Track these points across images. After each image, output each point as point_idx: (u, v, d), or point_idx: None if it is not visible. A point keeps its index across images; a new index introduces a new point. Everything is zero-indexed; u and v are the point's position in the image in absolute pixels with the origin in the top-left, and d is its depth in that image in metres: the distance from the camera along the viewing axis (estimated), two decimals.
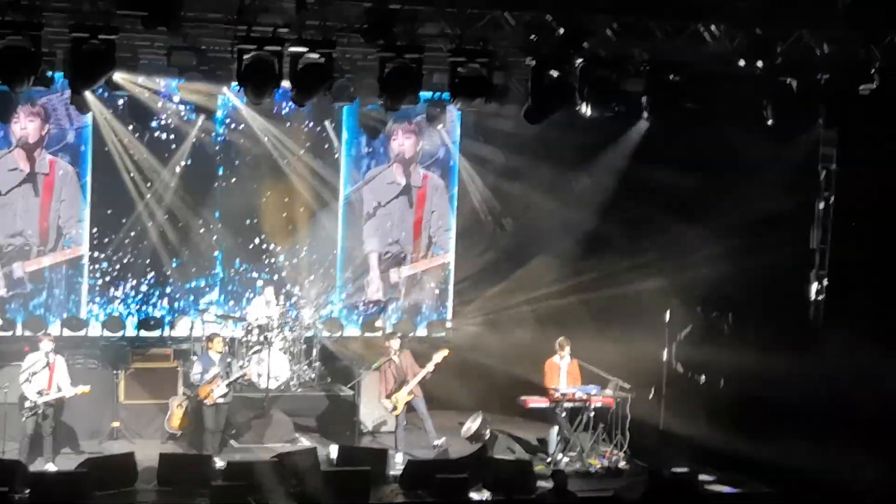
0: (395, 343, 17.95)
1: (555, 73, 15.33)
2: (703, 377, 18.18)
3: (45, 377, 16.49)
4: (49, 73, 15.97)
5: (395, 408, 17.59)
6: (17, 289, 20.06)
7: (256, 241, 21.16)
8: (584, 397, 17.53)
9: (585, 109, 15.67)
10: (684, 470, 16.87)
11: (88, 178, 20.22)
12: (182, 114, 20.16)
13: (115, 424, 18.15)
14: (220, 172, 20.94)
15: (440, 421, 18.29)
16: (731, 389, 18.02)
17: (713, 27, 15.82)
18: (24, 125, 19.69)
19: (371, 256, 21.80)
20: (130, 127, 19.93)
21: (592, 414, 17.64)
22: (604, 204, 19.86)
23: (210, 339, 17.87)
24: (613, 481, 17.10)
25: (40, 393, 16.39)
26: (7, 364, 17.71)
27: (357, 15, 14.85)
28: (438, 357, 17.72)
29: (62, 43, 14.81)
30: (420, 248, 22.01)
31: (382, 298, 21.90)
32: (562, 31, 15.05)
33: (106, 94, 18.82)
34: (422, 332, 21.73)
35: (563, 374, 17.63)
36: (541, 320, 19.72)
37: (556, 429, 17.63)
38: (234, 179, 20.97)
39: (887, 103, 15.66)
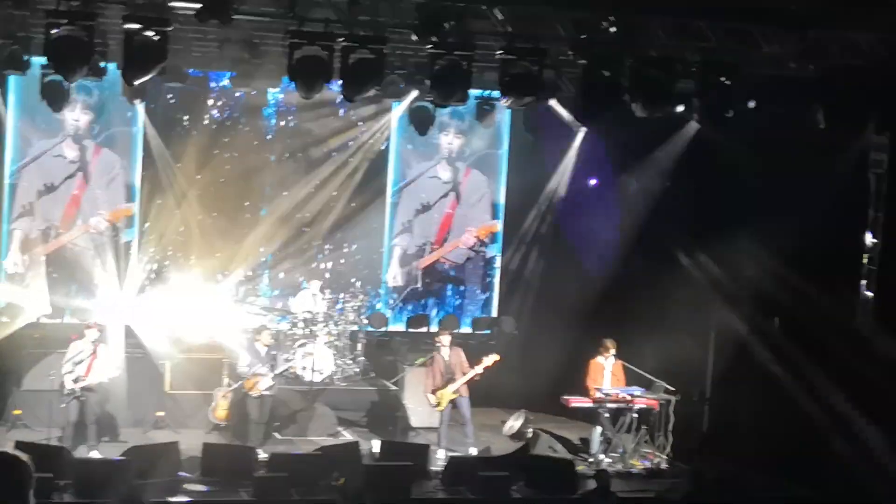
0: (445, 339, 17.98)
1: (605, 73, 15.23)
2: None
3: (86, 365, 16.64)
4: (102, 64, 16.14)
5: (438, 403, 17.62)
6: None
7: (304, 235, 21.23)
8: (628, 398, 17.51)
9: (636, 109, 15.60)
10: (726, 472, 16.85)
11: (138, 170, 20.33)
12: (233, 107, 20.25)
13: (160, 414, 18.29)
14: (269, 166, 21.01)
15: (482, 419, 18.33)
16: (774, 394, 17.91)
17: (766, 29, 15.71)
18: (78, 116, 19.86)
19: (395, 249, 21.84)
20: (185, 118, 20.01)
21: (636, 415, 17.61)
22: (652, 204, 19.78)
23: (258, 331, 17.98)
24: (655, 483, 17.07)
25: (76, 380, 16.54)
26: (54, 351, 17.87)
27: (408, 11, 14.86)
28: (489, 360, 17.72)
29: (115, 34, 14.90)
30: (443, 240, 22.01)
31: (401, 284, 21.90)
32: (613, 30, 14.99)
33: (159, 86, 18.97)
34: (466, 329, 21.72)
35: (607, 374, 17.62)
36: (586, 319, 19.65)
37: (598, 429, 17.60)
38: (282, 173, 21.05)
39: None
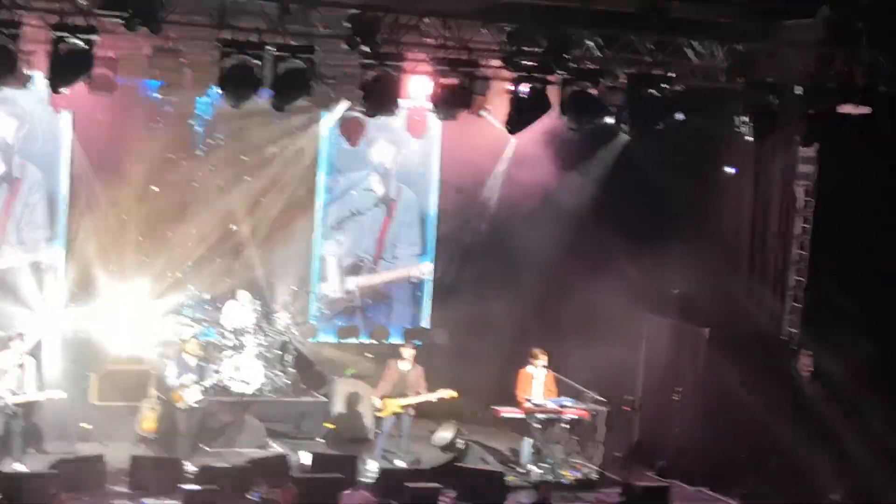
0: (408, 353, 17.92)
1: (536, 85, 15.28)
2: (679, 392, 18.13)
3: (17, 377, 16.42)
4: (26, 72, 15.93)
5: (381, 410, 17.58)
6: None
7: (232, 246, 21.09)
8: (558, 409, 17.53)
9: (566, 122, 15.68)
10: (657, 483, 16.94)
11: (65, 182, 20.08)
12: (162, 115, 20.09)
13: (86, 426, 18.05)
14: (198, 175, 20.85)
15: (413, 430, 18.24)
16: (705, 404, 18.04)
17: (695, 43, 15.83)
18: (2, 127, 19.59)
19: (329, 259, 21.75)
20: (113, 127, 19.79)
21: (566, 426, 17.65)
22: (582, 216, 19.88)
23: (186, 342, 17.83)
24: (586, 494, 17.10)
25: (12, 392, 16.31)
26: None
27: (340, 20, 14.82)
28: (445, 394, 17.75)
29: (42, 42, 14.71)
30: (381, 258, 21.98)
31: (342, 296, 21.83)
32: (545, 43, 15.04)
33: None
34: (395, 340, 21.66)
35: (537, 384, 17.62)
36: (518, 330, 19.69)
37: (528, 440, 17.61)
38: (211, 182, 20.89)
39: (868, 122, 15.69)
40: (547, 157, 19.66)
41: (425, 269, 22.13)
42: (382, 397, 17.64)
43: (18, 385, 16.43)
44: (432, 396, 17.68)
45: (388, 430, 17.76)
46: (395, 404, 17.57)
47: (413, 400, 17.62)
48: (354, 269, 21.91)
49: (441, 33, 15.22)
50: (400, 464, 17.51)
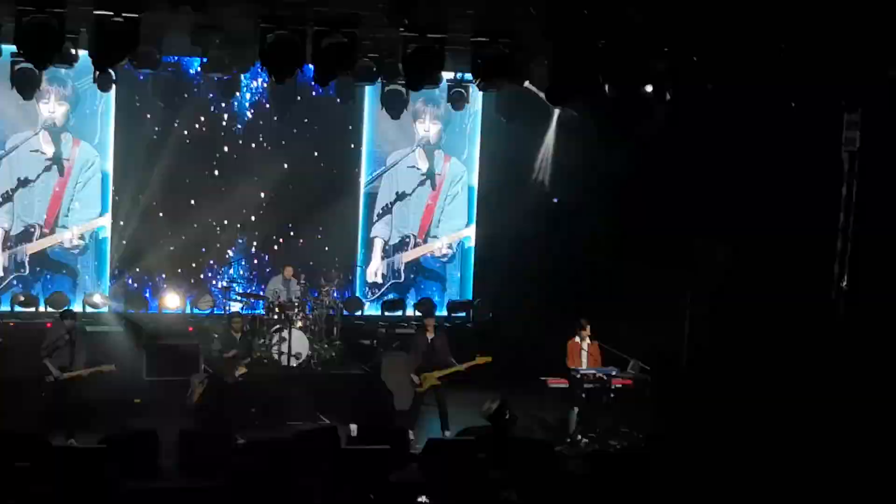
0: (430, 323, 18.04)
1: (577, 54, 15.25)
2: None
3: (67, 353, 16.63)
4: (73, 51, 16.08)
5: (421, 385, 17.66)
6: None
7: (278, 221, 21.23)
8: (605, 378, 17.55)
9: (608, 90, 15.65)
10: None
11: (110, 159, 20.24)
12: (205, 92, 20.22)
13: (137, 401, 18.25)
14: (240, 151, 20.99)
15: (459, 400, 18.31)
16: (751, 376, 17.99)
17: None
18: (53, 108, 19.75)
19: (376, 241, 21.84)
20: (159, 104, 19.95)
21: (612, 395, 17.66)
22: (626, 187, 19.83)
23: (232, 317, 17.97)
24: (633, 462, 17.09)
25: (62, 369, 16.52)
26: (28, 340, 17.83)
27: None
28: (480, 360, 17.78)
29: (87, 20, 14.82)
30: (426, 233, 22.03)
31: (380, 281, 21.92)
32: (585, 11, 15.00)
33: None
34: (441, 312, 21.73)
35: (584, 354, 17.66)
36: (563, 300, 19.69)
37: (576, 409, 17.65)
38: (255, 159, 21.02)
39: None
40: (592, 126, 19.60)
41: (470, 242, 22.17)
42: (418, 371, 17.73)
43: (69, 360, 16.64)
44: (466, 365, 17.74)
45: (423, 403, 17.89)
46: (432, 377, 17.66)
47: (449, 370, 17.71)
48: (401, 245, 21.99)
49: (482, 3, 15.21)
50: (447, 435, 17.60)
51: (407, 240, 22.01)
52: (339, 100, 20.25)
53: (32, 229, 20.01)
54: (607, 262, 19.57)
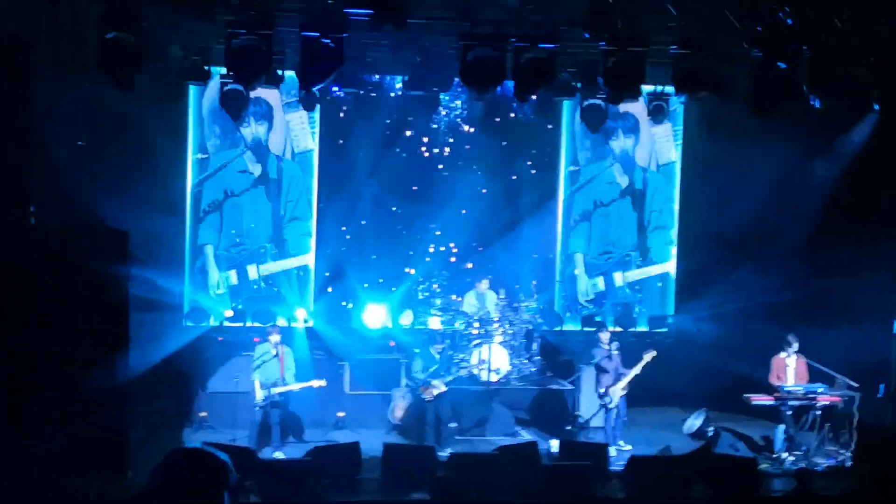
0: (605, 337, 18.01)
1: (782, 64, 14.97)
2: None
3: (276, 368, 17.02)
4: (279, 72, 16.46)
5: (612, 401, 17.65)
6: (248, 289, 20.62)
7: (477, 236, 21.34)
8: (812, 395, 17.17)
9: (814, 101, 15.31)
10: None
11: (315, 179, 20.64)
12: (405, 110, 20.46)
13: (340, 414, 18.56)
14: (440, 168, 21.18)
15: (661, 417, 18.17)
16: None
17: None
18: (255, 129, 20.24)
19: (576, 257, 21.76)
20: (361, 122, 20.26)
21: (819, 413, 17.27)
22: (831, 197, 19.38)
23: (432, 336, 18.09)
24: (840, 481, 16.68)
25: (274, 384, 16.92)
26: (237, 354, 18.31)
27: (580, 8, 14.82)
28: (648, 357, 17.78)
29: (292, 42, 15.17)
30: (642, 250, 21.85)
31: (590, 298, 21.82)
32: (789, 22, 14.74)
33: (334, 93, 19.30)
34: (642, 327, 21.54)
35: (789, 370, 17.33)
36: (767, 316, 19.32)
37: (781, 427, 17.31)
38: (454, 174, 21.19)
39: None
40: (793, 136, 19.21)
41: (671, 258, 21.92)
42: (607, 389, 17.88)
43: (278, 375, 17.03)
44: (637, 369, 17.82)
45: (625, 417, 18.01)
46: (617, 391, 17.74)
47: (628, 379, 17.82)
48: (601, 261, 21.85)
49: (682, 15, 15.07)
50: (626, 447, 17.63)
51: (607, 256, 21.86)
52: (535, 114, 20.27)
53: (241, 250, 20.43)
54: (814, 274, 19.08)
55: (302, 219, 20.55)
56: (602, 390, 17.88)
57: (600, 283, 21.77)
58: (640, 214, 21.79)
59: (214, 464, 5.89)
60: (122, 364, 14.23)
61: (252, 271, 20.37)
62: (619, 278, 21.80)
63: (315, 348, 19.04)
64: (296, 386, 17.17)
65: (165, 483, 5.76)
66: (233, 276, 20.28)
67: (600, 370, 18.07)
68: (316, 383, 17.26)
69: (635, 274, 21.81)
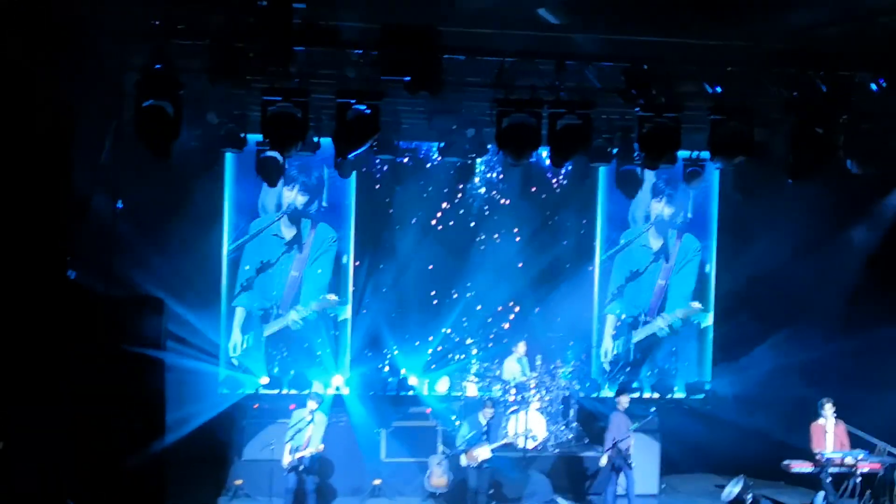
0: (624, 400, 17.88)
1: (818, 129, 14.95)
2: None
3: (305, 435, 16.94)
4: (315, 139, 16.56)
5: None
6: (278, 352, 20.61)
7: (511, 300, 21.31)
8: (852, 462, 16.97)
9: (851, 166, 15.27)
10: None
11: (351, 243, 20.67)
12: (441, 177, 20.52)
13: (377, 482, 18.46)
14: (477, 232, 21.21)
15: (698, 485, 17.98)
16: None
17: None
18: (295, 196, 20.29)
19: (608, 318, 21.68)
20: (397, 189, 20.34)
21: (859, 479, 17.06)
22: (870, 258, 19.26)
23: (484, 404, 17.96)
24: None
25: (297, 449, 16.86)
26: (273, 421, 18.27)
27: (615, 75, 14.87)
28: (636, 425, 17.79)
29: (328, 109, 15.25)
30: (656, 311, 21.76)
31: (618, 352, 21.72)
32: (824, 88, 14.73)
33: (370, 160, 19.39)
34: (679, 394, 21.38)
35: (829, 436, 17.15)
36: (806, 380, 19.15)
37: (821, 494, 17.09)
38: (490, 239, 21.20)
39: None
40: (827, 199, 19.16)
41: (707, 321, 21.80)
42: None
43: (305, 440, 16.94)
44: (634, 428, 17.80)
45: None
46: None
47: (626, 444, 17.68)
48: (633, 324, 21.77)
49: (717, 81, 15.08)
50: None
51: (638, 319, 21.77)
52: (571, 180, 20.31)
53: (270, 311, 20.46)
54: (852, 338, 18.92)
55: (333, 282, 20.56)
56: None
57: (631, 345, 21.66)
58: (670, 276, 21.71)
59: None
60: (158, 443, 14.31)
61: (269, 330, 20.41)
62: (648, 339, 21.67)
63: (352, 415, 18.97)
64: (309, 450, 16.98)
65: None
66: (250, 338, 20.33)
67: (609, 433, 17.86)
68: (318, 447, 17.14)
69: (644, 333, 21.72)
